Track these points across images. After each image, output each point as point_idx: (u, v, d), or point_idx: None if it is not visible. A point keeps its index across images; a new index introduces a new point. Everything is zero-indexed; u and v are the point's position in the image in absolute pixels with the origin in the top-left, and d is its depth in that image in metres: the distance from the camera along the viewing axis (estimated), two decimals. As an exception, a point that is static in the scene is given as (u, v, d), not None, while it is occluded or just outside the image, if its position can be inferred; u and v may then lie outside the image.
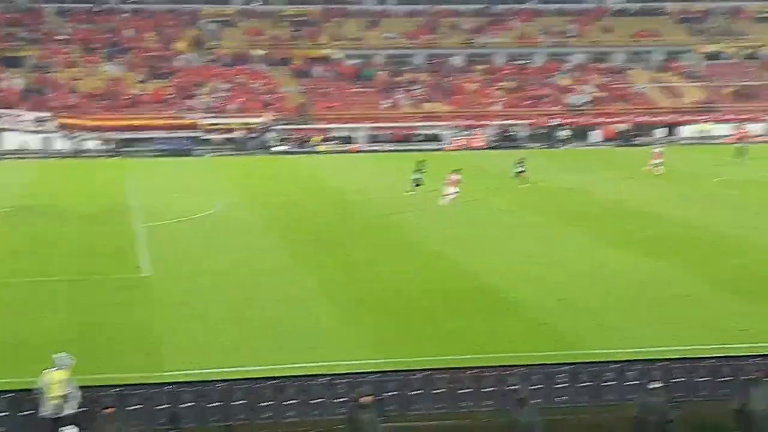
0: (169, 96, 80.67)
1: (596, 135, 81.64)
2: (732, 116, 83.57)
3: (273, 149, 75.20)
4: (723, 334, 23.77)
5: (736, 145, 70.28)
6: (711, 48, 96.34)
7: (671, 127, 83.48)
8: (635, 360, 21.15)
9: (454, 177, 46.16)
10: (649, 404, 17.50)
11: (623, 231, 39.71)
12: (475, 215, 43.81)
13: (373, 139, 77.95)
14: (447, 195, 45.72)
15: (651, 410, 17.42)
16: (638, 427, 17.70)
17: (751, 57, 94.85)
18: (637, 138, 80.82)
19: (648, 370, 20.27)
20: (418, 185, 49.36)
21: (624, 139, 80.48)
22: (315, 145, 75.74)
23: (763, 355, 21.18)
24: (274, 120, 77.99)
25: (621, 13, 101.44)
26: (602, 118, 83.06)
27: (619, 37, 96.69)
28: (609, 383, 20.40)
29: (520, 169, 52.96)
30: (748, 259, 33.59)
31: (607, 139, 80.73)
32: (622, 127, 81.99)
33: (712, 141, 79.64)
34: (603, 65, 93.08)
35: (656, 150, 61.81)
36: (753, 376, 18.33)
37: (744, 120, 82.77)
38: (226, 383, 19.50)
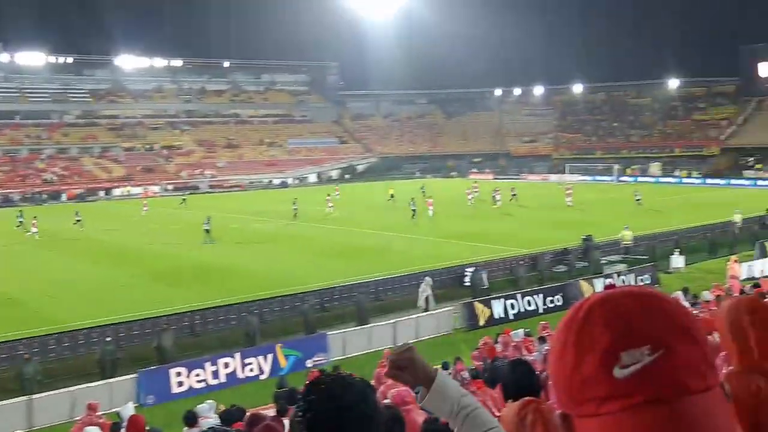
0: None
1: (64, 196, 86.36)
2: (141, 183, 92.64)
3: None
4: (150, 304, 26.56)
5: (182, 196, 76.87)
6: (128, 144, 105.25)
7: (107, 190, 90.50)
8: (99, 326, 23.37)
9: (35, 221, 48.83)
10: (107, 350, 21.02)
11: (95, 250, 41.30)
12: (36, 247, 44.36)
13: None
14: (33, 232, 47.89)
15: (107, 354, 21.01)
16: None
17: (150, 150, 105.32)
18: (89, 197, 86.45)
19: (103, 331, 22.60)
20: (18, 226, 51.88)
21: (80, 197, 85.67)
22: None
23: (174, 314, 24.65)
24: None
25: (73, 125, 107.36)
26: (66, 186, 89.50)
27: (73, 139, 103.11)
28: (82, 341, 22.60)
29: (77, 219, 51.90)
30: (162, 261, 36.90)
31: (70, 199, 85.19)
32: (79, 191, 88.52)
33: (131, 198, 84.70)
34: (64, 155, 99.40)
35: (144, 201, 66.80)
36: (164, 327, 22.48)
37: (148, 185, 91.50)
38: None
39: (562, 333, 1.21)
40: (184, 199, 71.61)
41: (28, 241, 47.05)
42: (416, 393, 2.06)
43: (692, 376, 1.12)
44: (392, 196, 64.55)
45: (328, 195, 61.58)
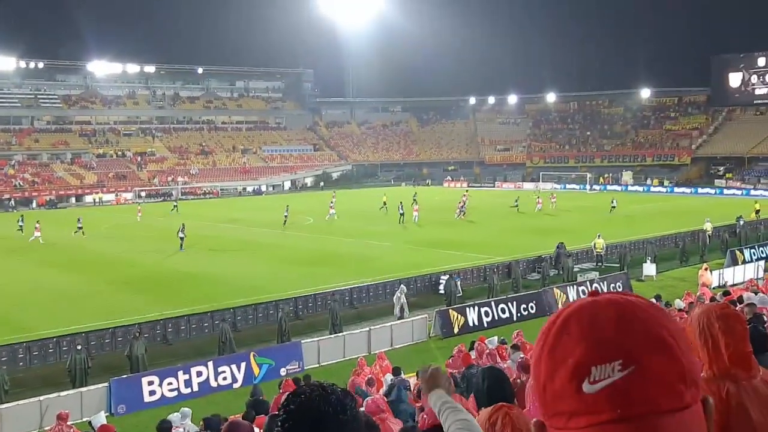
0: None
1: (35, 203, 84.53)
2: (113, 190, 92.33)
3: None
4: (122, 312, 26.40)
5: (174, 201, 76.36)
6: (99, 151, 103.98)
7: (77, 197, 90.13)
8: (70, 334, 22.87)
9: (38, 225, 48.56)
10: (78, 358, 20.51)
11: (73, 257, 40.70)
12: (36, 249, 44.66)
13: None
14: (35, 237, 47.60)
15: (77, 362, 20.56)
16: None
17: (122, 156, 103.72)
18: (60, 203, 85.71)
19: (73, 339, 22.12)
20: (18, 230, 51.97)
21: (51, 204, 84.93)
22: None
23: (146, 322, 24.24)
24: None
25: (44, 130, 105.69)
26: (36, 193, 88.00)
27: (44, 145, 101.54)
28: (51, 349, 22.33)
29: (79, 225, 50.37)
30: (135, 269, 36.28)
31: (40, 206, 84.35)
32: (50, 197, 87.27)
33: (106, 205, 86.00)
34: (35, 161, 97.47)
35: (139, 207, 67.55)
36: (136, 335, 22.22)
37: (120, 191, 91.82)
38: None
39: (539, 342, 1.19)
40: (175, 206, 71.20)
41: (27, 246, 46.28)
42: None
43: (665, 395, 1.07)
44: (384, 203, 64.44)
45: (331, 201, 61.07)
